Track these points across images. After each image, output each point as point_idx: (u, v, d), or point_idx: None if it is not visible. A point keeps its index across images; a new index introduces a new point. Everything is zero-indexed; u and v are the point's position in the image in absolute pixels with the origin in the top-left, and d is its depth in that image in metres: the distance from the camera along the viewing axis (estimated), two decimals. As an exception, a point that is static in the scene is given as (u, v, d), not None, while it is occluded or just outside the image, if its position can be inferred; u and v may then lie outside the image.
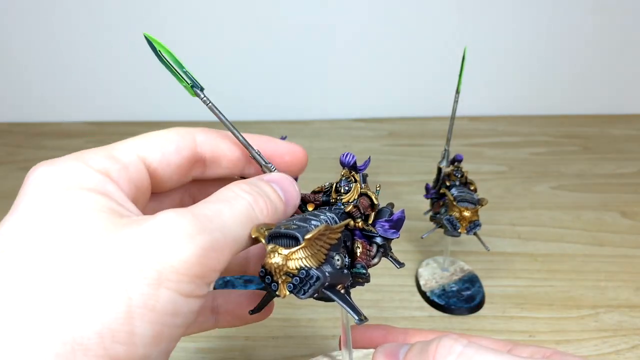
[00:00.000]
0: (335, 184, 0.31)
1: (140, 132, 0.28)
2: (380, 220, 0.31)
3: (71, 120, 1.02)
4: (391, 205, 0.33)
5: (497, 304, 0.54)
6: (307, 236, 0.24)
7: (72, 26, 0.96)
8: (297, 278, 0.25)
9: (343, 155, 0.31)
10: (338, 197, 0.30)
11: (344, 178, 0.31)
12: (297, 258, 0.25)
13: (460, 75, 0.50)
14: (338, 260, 0.27)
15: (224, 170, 0.31)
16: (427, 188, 0.56)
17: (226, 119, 0.29)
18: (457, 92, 0.51)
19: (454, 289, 0.55)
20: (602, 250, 0.62)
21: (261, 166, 0.30)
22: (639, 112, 1.01)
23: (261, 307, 0.31)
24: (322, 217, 0.28)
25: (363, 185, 0.31)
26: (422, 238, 0.55)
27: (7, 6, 0.95)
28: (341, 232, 0.27)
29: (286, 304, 0.54)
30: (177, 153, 0.28)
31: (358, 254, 0.30)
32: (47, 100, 1.02)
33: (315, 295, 0.26)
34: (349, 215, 0.30)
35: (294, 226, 0.25)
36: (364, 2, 0.95)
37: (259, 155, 0.30)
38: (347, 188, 0.31)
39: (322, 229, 0.25)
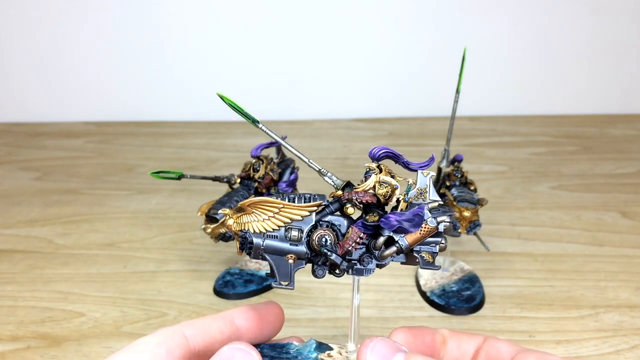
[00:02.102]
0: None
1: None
2: (392, 212, 0.31)
3: (71, 120, 1.02)
4: (436, 208, 0.33)
5: (497, 304, 0.54)
6: (241, 202, 0.30)
7: (72, 26, 0.96)
8: (241, 238, 0.31)
9: (373, 148, 0.32)
10: (358, 186, 0.32)
11: (368, 170, 0.32)
12: (240, 222, 0.31)
13: (460, 75, 0.50)
14: (291, 234, 0.31)
15: None
16: (427, 188, 0.56)
17: (277, 135, 0.32)
18: (457, 92, 0.51)
19: (454, 289, 0.55)
20: (602, 250, 0.62)
21: (318, 174, 0.33)
22: (639, 112, 1.01)
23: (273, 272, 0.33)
24: (291, 196, 0.32)
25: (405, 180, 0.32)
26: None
27: (7, 6, 0.95)
28: (309, 211, 0.31)
29: (286, 304, 0.54)
30: (168, 355, 0.28)
31: (344, 239, 0.32)
32: (47, 100, 1.02)
33: (260, 257, 0.31)
34: (338, 200, 0.32)
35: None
36: (364, 2, 0.95)
37: (312, 163, 0.33)
38: (366, 178, 0.32)
39: (257, 200, 0.30)
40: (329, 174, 0.32)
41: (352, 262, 0.32)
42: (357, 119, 1.01)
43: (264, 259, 0.31)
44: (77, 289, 0.57)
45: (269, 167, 0.54)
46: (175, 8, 0.95)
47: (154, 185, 0.77)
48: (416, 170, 0.33)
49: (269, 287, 0.56)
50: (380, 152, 0.32)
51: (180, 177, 0.51)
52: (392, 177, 0.32)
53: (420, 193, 0.33)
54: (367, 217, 0.31)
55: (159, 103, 1.00)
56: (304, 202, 0.32)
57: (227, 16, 0.95)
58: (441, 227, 0.32)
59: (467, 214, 0.50)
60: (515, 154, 0.86)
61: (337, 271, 0.32)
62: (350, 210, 0.32)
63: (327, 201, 0.32)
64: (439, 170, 0.54)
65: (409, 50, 0.98)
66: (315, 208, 0.31)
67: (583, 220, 0.68)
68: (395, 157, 0.32)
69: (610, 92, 1.00)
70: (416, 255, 0.33)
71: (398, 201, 0.32)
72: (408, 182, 0.33)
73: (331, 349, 0.34)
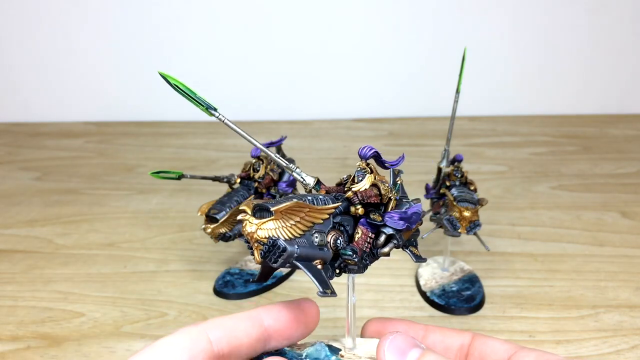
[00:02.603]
0: (353, 176, 0.33)
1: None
2: (393, 211, 0.32)
3: (71, 120, 1.02)
4: (417, 200, 0.34)
5: (497, 304, 0.54)
6: (274, 208, 0.28)
7: (72, 26, 0.96)
8: (266, 246, 0.28)
9: (362, 148, 0.33)
10: (352, 186, 0.32)
11: (359, 169, 0.32)
12: (267, 228, 0.28)
13: (460, 75, 0.50)
14: (317, 238, 0.30)
15: (245, 355, 0.30)
16: (427, 188, 0.56)
17: (242, 131, 0.30)
18: (457, 92, 0.51)
19: (454, 289, 0.55)
20: (602, 250, 0.62)
21: (284, 168, 0.32)
22: (639, 112, 1.01)
23: (263, 276, 0.32)
24: (309, 197, 0.30)
25: (378, 177, 0.32)
26: (422, 238, 0.55)
27: (6, 6, 0.95)
28: (329, 213, 0.30)
29: (286, 304, 0.54)
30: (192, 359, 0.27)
31: (355, 239, 0.32)
32: (47, 100, 1.02)
33: (287, 265, 0.29)
34: (348, 200, 0.32)
35: (272, 201, 0.29)
36: (364, 2, 0.95)
37: (279, 159, 0.32)
38: (360, 178, 0.32)
39: (291, 205, 0.28)
40: (297, 170, 0.32)
41: (363, 261, 0.32)
42: (357, 119, 1.01)
43: (293, 267, 0.29)
44: (77, 289, 0.57)
45: (269, 167, 0.54)
46: (175, 8, 0.95)
47: (154, 185, 0.77)
48: (389, 168, 0.34)
49: (269, 287, 0.56)
50: (370, 152, 0.32)
51: (180, 177, 0.51)
52: (379, 175, 0.33)
53: (399, 186, 0.34)
54: (372, 216, 0.32)
55: (159, 103, 1.00)
56: (322, 204, 0.30)
57: (227, 16, 0.95)
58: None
59: (467, 214, 0.50)
60: (515, 154, 0.86)
61: (337, 271, 0.32)
62: (361, 210, 0.32)
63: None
64: (439, 170, 0.54)
65: (409, 50, 0.98)
66: (333, 210, 0.31)
67: (583, 220, 0.68)
68: (378, 156, 0.33)
69: (610, 92, 1.00)
70: (406, 251, 0.34)
71: (389, 199, 0.33)
72: (398, 180, 0.34)
73: (339, 349, 0.34)
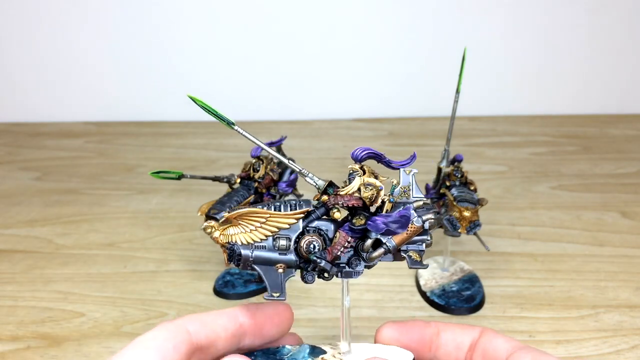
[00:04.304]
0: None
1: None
2: (379, 214, 0.31)
3: (71, 120, 1.02)
4: (421, 207, 0.33)
5: (497, 304, 0.54)
6: (225, 215, 0.30)
7: (72, 26, 0.96)
8: (229, 250, 0.31)
9: (355, 149, 0.32)
10: (341, 189, 0.31)
11: (350, 171, 0.32)
12: (227, 234, 0.31)
13: (460, 75, 0.50)
14: (279, 243, 0.31)
15: (221, 351, 0.32)
16: (427, 188, 0.56)
17: (255, 139, 0.32)
18: (457, 92, 0.51)
19: (454, 289, 0.55)
20: (602, 250, 0.62)
21: (298, 174, 0.32)
22: (639, 112, 1.01)
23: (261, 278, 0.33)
24: (277, 204, 0.32)
25: (370, 179, 0.32)
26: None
27: (6, 7, 0.95)
28: (296, 219, 0.31)
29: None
30: (174, 349, 0.29)
31: (332, 244, 0.32)
32: (47, 100, 1.02)
33: (249, 268, 0.31)
34: (324, 205, 0.32)
35: (235, 209, 0.31)
36: (364, 2, 0.95)
37: (292, 163, 0.33)
38: (350, 181, 0.31)
39: (244, 212, 0.30)
40: (310, 175, 0.32)
41: (341, 265, 0.32)
42: (357, 119, 1.01)
43: (254, 269, 0.31)
44: (77, 289, 0.57)
45: (269, 167, 0.54)
46: (175, 8, 0.95)
47: (154, 185, 0.77)
48: (398, 169, 0.33)
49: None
50: (363, 153, 0.31)
51: (180, 177, 0.51)
52: (376, 177, 0.32)
53: (404, 191, 0.33)
54: (353, 221, 0.31)
55: (159, 103, 1.00)
56: (290, 210, 0.31)
57: (227, 16, 0.95)
58: (427, 225, 0.32)
59: (467, 214, 0.50)
60: (515, 154, 0.86)
61: (326, 275, 0.32)
62: (337, 215, 0.31)
63: (313, 206, 0.32)
64: (439, 170, 0.54)
65: (409, 50, 0.98)
66: (301, 215, 0.31)
67: (583, 220, 0.68)
68: (378, 157, 0.32)
69: (610, 92, 1.00)
70: (404, 255, 0.33)
71: (383, 202, 0.31)
72: (392, 182, 0.33)
73: (324, 352, 0.34)
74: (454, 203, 0.51)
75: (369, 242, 0.31)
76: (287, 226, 0.31)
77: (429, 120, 0.99)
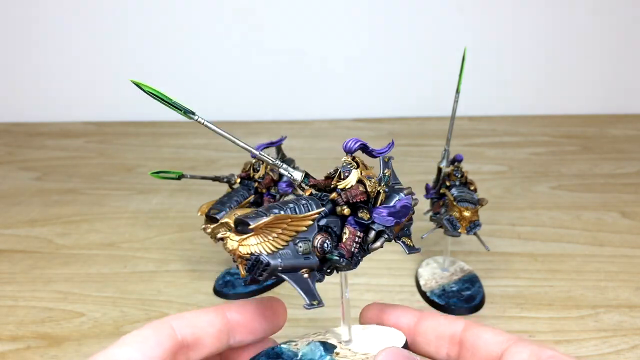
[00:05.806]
0: (339, 171, 0.32)
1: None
2: (381, 206, 0.31)
3: (71, 120, 1.02)
4: (410, 192, 0.33)
5: (497, 304, 0.54)
6: (253, 225, 0.27)
7: (71, 26, 0.96)
8: (250, 262, 0.28)
9: (347, 141, 0.32)
10: (338, 183, 0.31)
11: (344, 164, 0.32)
12: (248, 244, 0.28)
13: (460, 75, 0.50)
14: (301, 247, 0.29)
15: (210, 348, 0.32)
16: (427, 188, 0.56)
17: (222, 130, 0.30)
18: (457, 92, 0.51)
19: (454, 289, 0.55)
20: (602, 250, 0.62)
21: (269, 164, 0.32)
22: (639, 112, 1.01)
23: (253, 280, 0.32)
24: (290, 205, 0.30)
25: (365, 170, 0.32)
26: (422, 238, 0.55)
27: (6, 6, 0.95)
28: (312, 219, 0.29)
29: (286, 304, 0.53)
30: (158, 346, 0.29)
31: (343, 240, 0.31)
32: (47, 100, 1.02)
33: (273, 277, 0.29)
34: (333, 202, 0.31)
35: (252, 215, 0.28)
36: (363, 2, 0.95)
37: (263, 155, 0.32)
38: (346, 174, 0.31)
39: (271, 220, 0.27)
40: (284, 166, 0.32)
41: (354, 260, 0.32)
42: (357, 119, 1.01)
43: (279, 279, 0.30)
44: (77, 289, 0.57)
45: (268, 167, 0.54)
46: (175, 8, 0.95)
47: (154, 185, 0.77)
48: (378, 157, 0.33)
49: (269, 287, 0.56)
50: (356, 145, 0.31)
51: (180, 177, 0.51)
52: (366, 168, 0.32)
53: (387, 179, 0.33)
54: (360, 215, 0.31)
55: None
56: (305, 211, 0.30)
57: (227, 16, 0.95)
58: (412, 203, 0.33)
59: (467, 214, 0.50)
60: (515, 154, 0.86)
61: (328, 270, 0.32)
62: (346, 211, 0.31)
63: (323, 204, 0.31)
64: (439, 170, 0.54)
65: (408, 50, 0.98)
66: (317, 215, 0.30)
67: (583, 220, 0.68)
68: (365, 147, 0.32)
69: (610, 92, 1.00)
70: (398, 243, 0.33)
71: (378, 192, 0.32)
72: (385, 173, 0.33)
73: (335, 347, 0.33)
74: (454, 203, 0.51)
75: (373, 234, 0.32)
76: (306, 228, 0.29)
77: (429, 120, 0.99)
